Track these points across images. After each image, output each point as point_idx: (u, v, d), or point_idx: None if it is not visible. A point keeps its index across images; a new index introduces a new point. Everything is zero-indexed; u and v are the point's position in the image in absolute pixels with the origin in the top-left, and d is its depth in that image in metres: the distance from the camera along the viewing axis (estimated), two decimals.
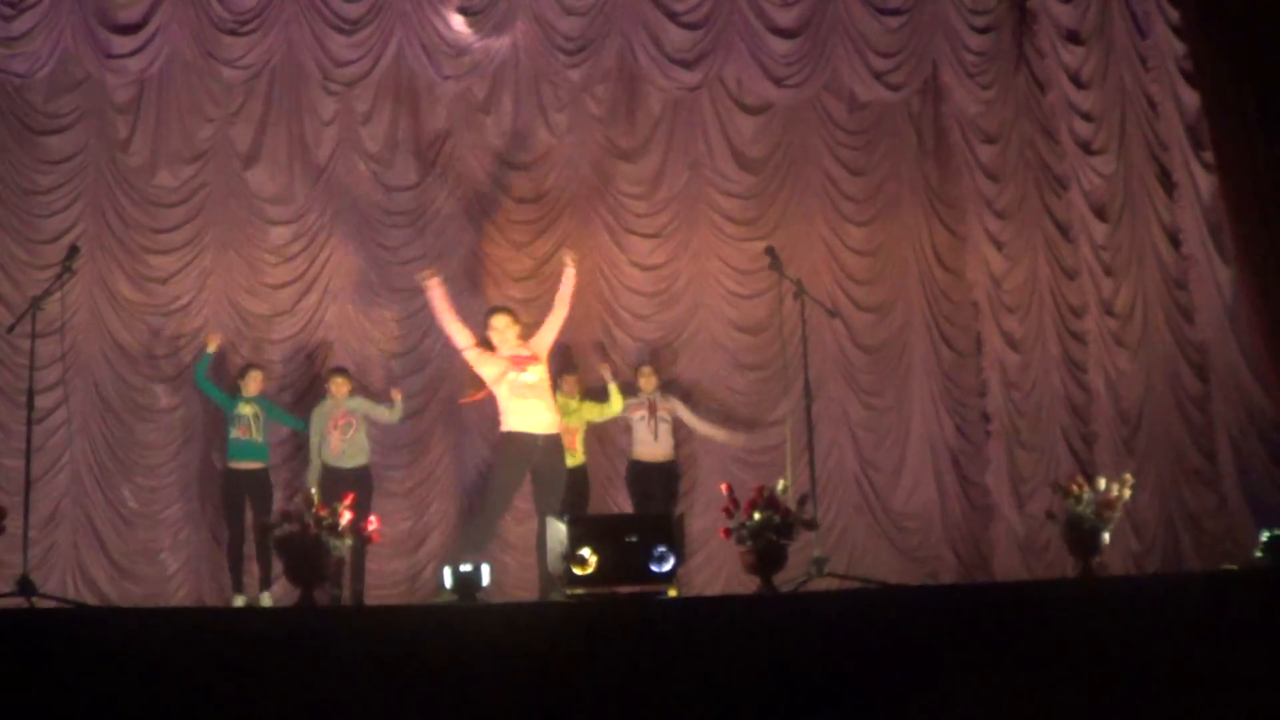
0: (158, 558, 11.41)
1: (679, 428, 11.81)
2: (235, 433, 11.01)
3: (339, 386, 11.20)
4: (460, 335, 10.32)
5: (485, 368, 10.19)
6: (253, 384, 11.14)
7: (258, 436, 11.03)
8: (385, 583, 11.46)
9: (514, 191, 12.22)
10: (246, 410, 11.02)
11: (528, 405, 10.01)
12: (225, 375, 11.38)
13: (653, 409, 11.59)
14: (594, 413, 11.58)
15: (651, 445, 11.57)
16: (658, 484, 11.51)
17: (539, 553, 10.08)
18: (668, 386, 11.89)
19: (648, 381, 11.70)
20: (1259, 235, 11.89)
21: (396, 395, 11.35)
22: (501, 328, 10.20)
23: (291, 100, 11.96)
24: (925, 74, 12.64)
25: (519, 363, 10.09)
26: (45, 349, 10.51)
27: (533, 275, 12.19)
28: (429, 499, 11.82)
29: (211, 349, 11.21)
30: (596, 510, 11.55)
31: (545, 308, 12.05)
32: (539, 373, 10.12)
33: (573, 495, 10.85)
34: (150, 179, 11.71)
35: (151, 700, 6.50)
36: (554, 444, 10.15)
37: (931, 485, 12.34)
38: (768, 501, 8.71)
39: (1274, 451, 11.90)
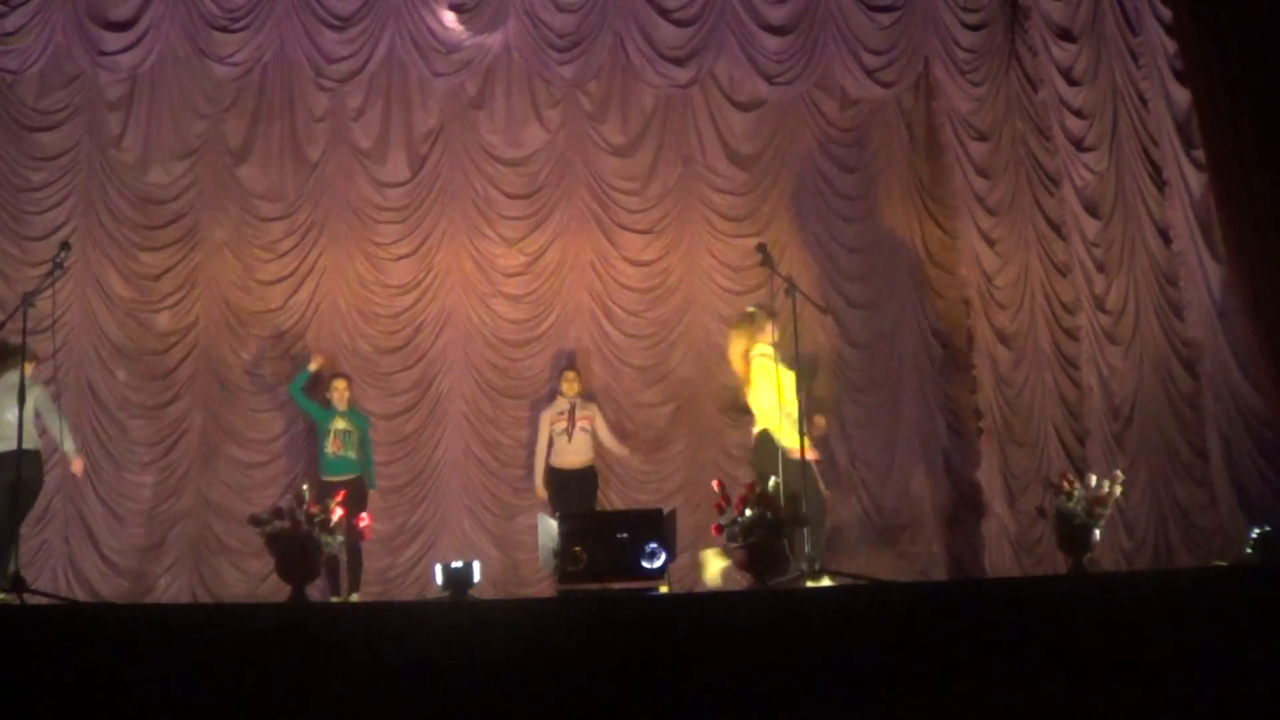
0: (150, 554, 11.40)
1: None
2: (329, 447, 11.08)
3: (569, 384, 11.63)
4: None
5: None
6: (339, 396, 11.20)
7: (350, 452, 11.08)
8: (376, 579, 11.47)
9: (506, 188, 12.23)
10: (340, 425, 11.10)
11: None
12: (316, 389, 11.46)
13: (572, 419, 11.51)
14: None
15: (569, 453, 11.47)
16: (574, 490, 11.37)
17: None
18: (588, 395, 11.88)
19: (570, 386, 11.63)
20: (1249, 233, 11.90)
21: None
22: None
23: (284, 97, 11.96)
24: (917, 71, 12.65)
25: None
26: (37, 346, 10.51)
27: (525, 271, 12.20)
28: (420, 495, 11.82)
29: (312, 368, 11.31)
30: None
31: (537, 303, 12.14)
32: None
33: None
34: (142, 175, 11.71)
35: (143, 697, 6.50)
36: None
37: (923, 482, 12.35)
38: (760, 498, 8.72)
39: (1264, 448, 11.91)
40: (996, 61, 12.68)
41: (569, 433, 11.46)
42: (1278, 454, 11.83)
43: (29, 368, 9.95)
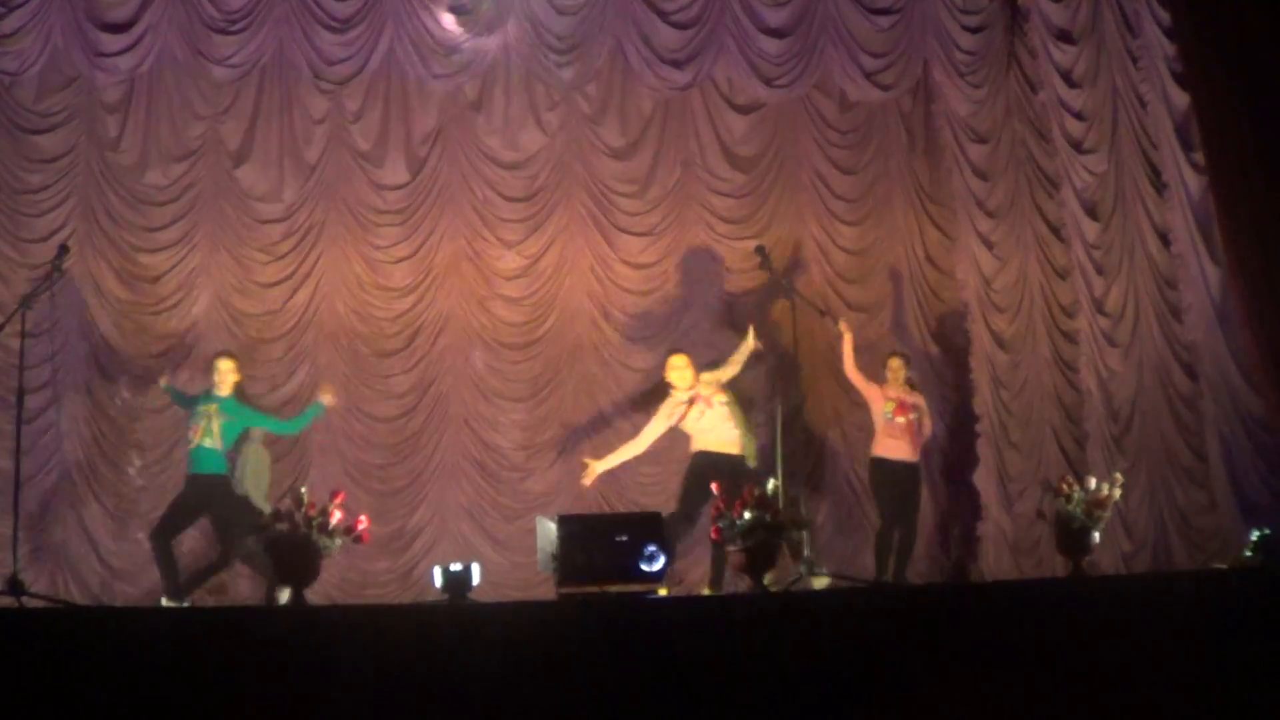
0: (149, 557, 11.36)
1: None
2: (191, 434, 10.37)
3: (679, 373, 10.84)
4: None
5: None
6: (221, 379, 10.45)
7: (216, 442, 10.28)
8: (375, 582, 11.46)
9: (505, 190, 12.21)
10: (208, 408, 10.36)
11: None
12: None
13: (699, 400, 10.70)
14: None
15: (711, 434, 10.71)
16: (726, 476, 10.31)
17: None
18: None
19: (681, 375, 10.78)
20: (1247, 236, 11.93)
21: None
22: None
23: (282, 98, 11.94)
24: (916, 73, 12.63)
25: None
26: (35, 349, 10.54)
27: (524, 274, 12.19)
28: (419, 498, 11.81)
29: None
30: None
31: (536, 305, 12.13)
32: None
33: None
34: (140, 177, 11.69)
35: (142, 700, 6.50)
36: None
37: (922, 484, 12.32)
38: (758, 501, 8.73)
39: (1263, 451, 11.93)
40: (996, 64, 12.68)
41: (705, 413, 10.59)
42: (1277, 456, 11.85)
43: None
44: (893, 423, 11.00)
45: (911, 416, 11.05)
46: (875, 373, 11.37)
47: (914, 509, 11.18)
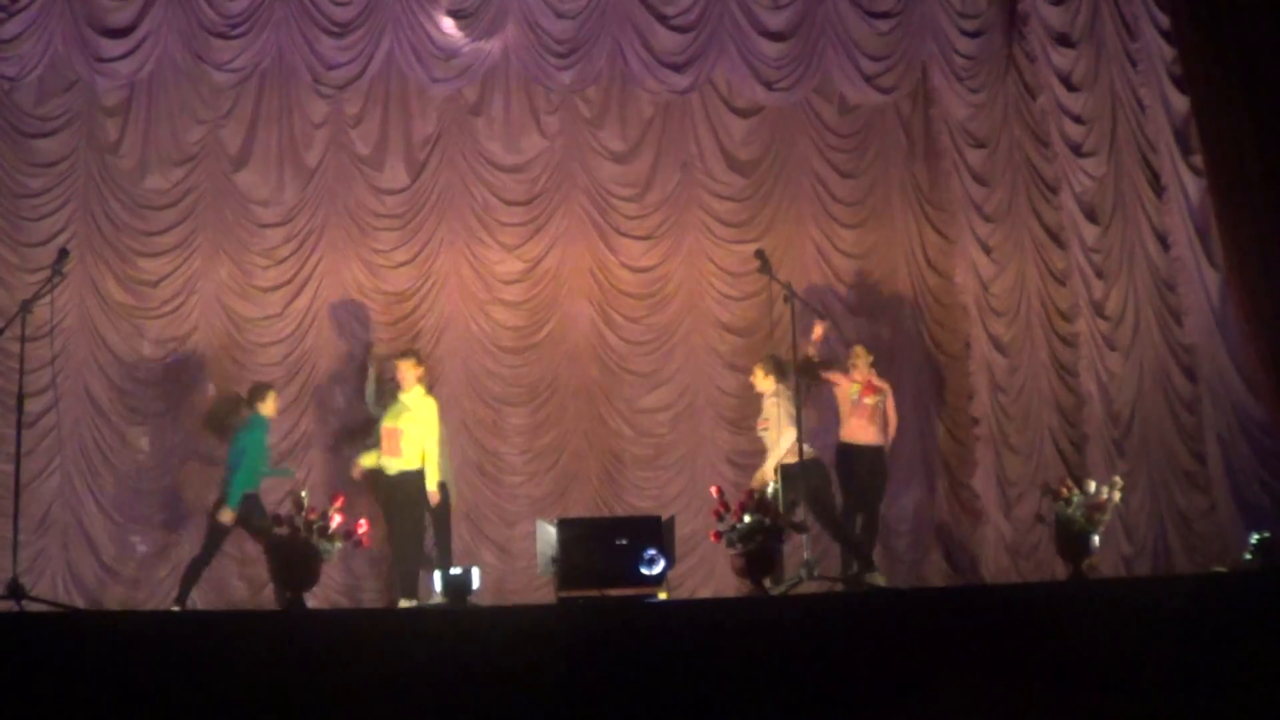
0: (149, 561, 11.38)
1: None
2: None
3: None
4: None
5: None
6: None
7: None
8: (374, 586, 11.45)
9: (505, 194, 12.21)
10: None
11: None
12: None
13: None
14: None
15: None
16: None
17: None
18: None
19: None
20: (1246, 239, 11.92)
21: None
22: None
23: (282, 103, 11.95)
24: (915, 77, 12.65)
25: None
26: (35, 353, 10.53)
27: (524, 278, 12.19)
28: None
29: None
30: None
31: (535, 309, 12.13)
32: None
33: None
34: (140, 182, 11.69)
35: (142, 704, 6.50)
36: None
37: (922, 488, 12.33)
38: (758, 505, 8.72)
39: (1262, 454, 11.92)
40: (994, 68, 12.68)
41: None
42: (1277, 459, 11.84)
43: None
44: (860, 404, 11.11)
45: (878, 399, 11.14)
46: (881, 373, 11.46)
47: (878, 495, 11.24)
